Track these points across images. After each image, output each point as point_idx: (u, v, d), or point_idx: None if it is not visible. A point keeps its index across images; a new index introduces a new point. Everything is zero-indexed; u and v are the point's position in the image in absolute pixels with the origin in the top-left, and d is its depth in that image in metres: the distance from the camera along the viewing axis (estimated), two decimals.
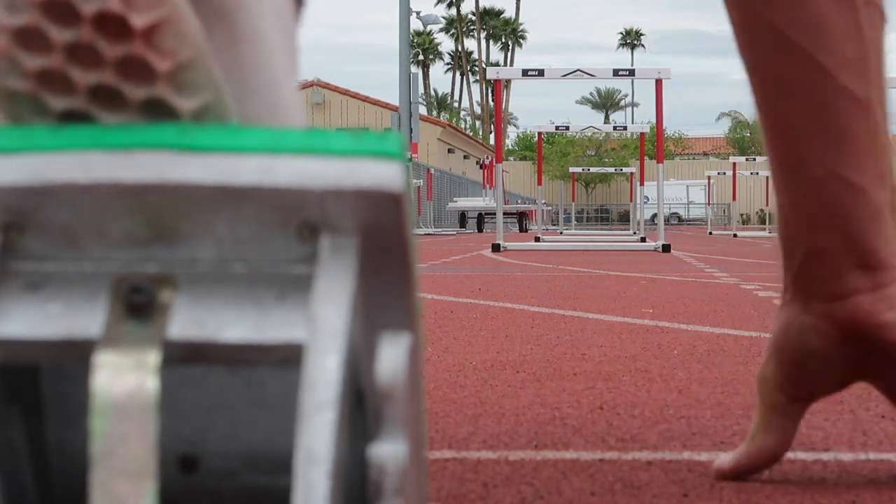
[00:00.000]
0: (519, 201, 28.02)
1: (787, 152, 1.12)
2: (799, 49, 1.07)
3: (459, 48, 61.61)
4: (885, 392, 1.18)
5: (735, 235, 15.76)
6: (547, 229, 19.53)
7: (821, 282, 1.11)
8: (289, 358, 0.48)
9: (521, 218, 20.05)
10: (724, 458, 1.19)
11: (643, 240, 11.38)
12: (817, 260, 1.12)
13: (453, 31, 61.32)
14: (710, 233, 17.81)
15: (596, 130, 14.22)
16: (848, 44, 1.07)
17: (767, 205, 20.19)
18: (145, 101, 0.49)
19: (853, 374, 1.18)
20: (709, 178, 21.43)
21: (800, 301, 1.14)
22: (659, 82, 8.86)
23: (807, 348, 1.14)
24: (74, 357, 0.48)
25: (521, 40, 62.87)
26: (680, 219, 32.84)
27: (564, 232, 17.84)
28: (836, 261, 1.11)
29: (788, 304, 1.15)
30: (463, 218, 20.79)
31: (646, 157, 13.30)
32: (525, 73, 8.56)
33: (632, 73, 9.12)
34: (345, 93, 31.09)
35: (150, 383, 0.46)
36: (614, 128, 13.93)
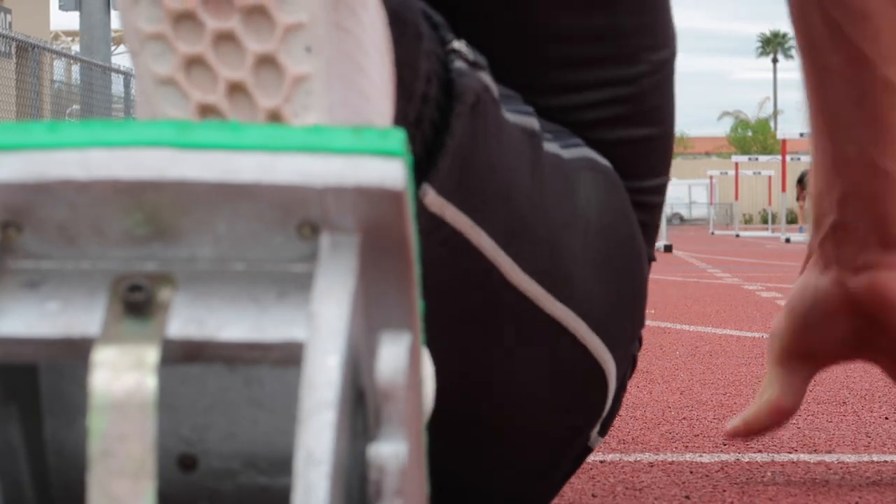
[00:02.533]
0: None
1: (825, 130, 1.15)
2: (846, 38, 1.11)
3: None
4: (887, 371, 1.20)
5: (737, 236, 15.75)
6: None
7: (843, 252, 1.16)
8: (288, 357, 0.48)
9: None
10: (733, 420, 1.22)
11: None
12: (842, 233, 1.16)
13: None
14: (713, 233, 17.80)
15: None
16: (893, 38, 1.10)
17: (770, 204, 20.16)
18: (250, 7, 0.56)
19: (856, 347, 1.19)
20: (711, 177, 21.42)
21: (821, 266, 1.18)
22: None
23: (818, 309, 1.18)
24: (73, 355, 0.48)
25: None
26: (682, 219, 32.84)
27: None
28: (860, 236, 1.15)
29: (810, 268, 1.19)
30: None
31: None
32: None
33: None
34: None
35: (149, 382, 0.46)
36: None
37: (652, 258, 1.03)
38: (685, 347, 2.55)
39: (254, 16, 0.57)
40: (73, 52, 11.49)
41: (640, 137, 1.00)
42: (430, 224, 0.80)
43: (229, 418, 0.55)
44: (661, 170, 1.03)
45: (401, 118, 0.76)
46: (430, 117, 0.79)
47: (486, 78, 0.83)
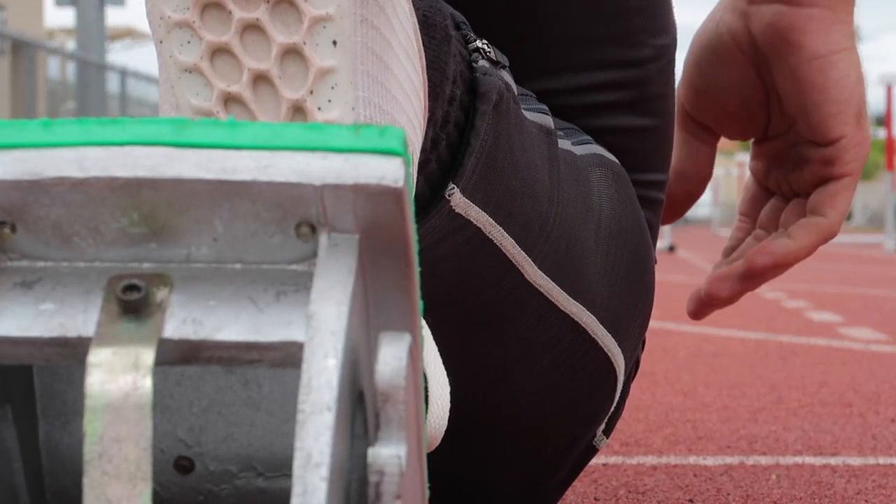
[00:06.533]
0: None
1: None
2: None
3: None
4: (773, 118, 1.08)
5: None
6: None
7: None
8: (287, 358, 0.47)
9: None
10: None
11: None
12: None
13: None
14: (717, 233, 17.77)
15: None
16: None
17: None
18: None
19: (750, 86, 1.06)
20: (716, 176, 21.39)
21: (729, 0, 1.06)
22: None
23: (714, 44, 1.06)
24: (68, 356, 0.47)
25: None
26: (685, 219, 32.80)
27: None
28: None
29: (719, 4, 1.07)
30: None
31: None
32: None
33: None
34: None
35: (146, 383, 0.45)
36: None
37: (654, 259, 1.02)
38: (688, 349, 2.54)
39: (281, 6, 0.57)
40: (67, 50, 11.48)
41: (643, 127, 0.99)
42: (455, 224, 0.79)
43: (227, 420, 0.55)
44: (662, 165, 1.02)
45: (428, 120, 0.76)
46: (455, 118, 0.78)
47: (507, 76, 0.82)
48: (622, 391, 0.97)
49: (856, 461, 1.29)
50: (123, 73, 11.65)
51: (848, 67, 1.03)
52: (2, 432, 0.52)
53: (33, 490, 0.54)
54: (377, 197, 0.46)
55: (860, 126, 1.04)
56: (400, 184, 0.45)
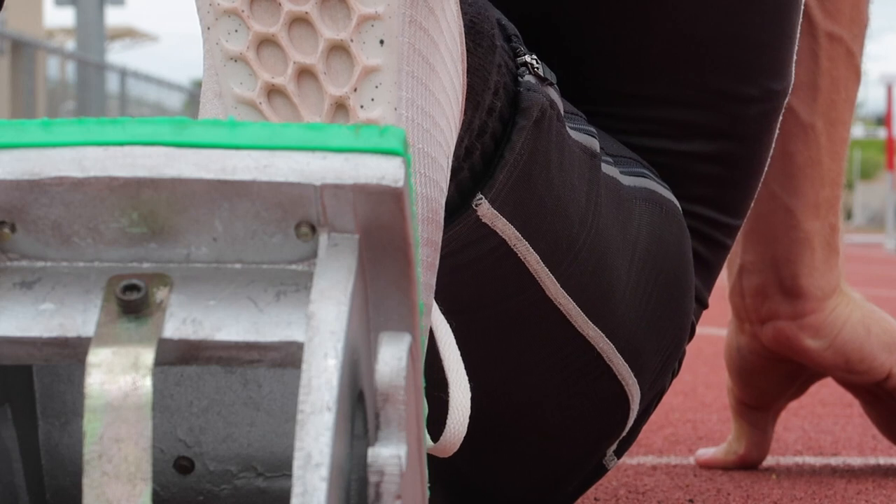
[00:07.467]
0: None
1: None
2: None
3: None
4: (840, 384, 1.22)
5: None
6: None
7: (749, 301, 1.16)
8: (287, 358, 0.47)
9: None
10: (705, 451, 1.25)
11: None
12: (746, 277, 1.16)
13: None
14: None
15: None
16: (800, 67, 1.09)
17: None
18: None
19: (799, 384, 1.23)
20: None
21: (736, 319, 1.19)
22: None
23: (748, 367, 1.22)
24: (67, 356, 0.47)
25: None
26: None
27: None
28: (762, 281, 1.14)
29: (731, 324, 1.20)
30: None
31: None
32: None
33: None
34: None
35: (145, 383, 0.45)
36: None
37: (704, 302, 0.99)
38: (689, 349, 2.53)
39: (330, 2, 0.57)
40: (67, 50, 11.48)
41: (730, 159, 0.96)
42: (480, 233, 0.79)
43: (227, 420, 0.55)
44: (735, 211, 0.99)
45: (465, 128, 0.75)
46: (492, 129, 0.78)
47: (552, 94, 0.81)
48: (638, 418, 0.96)
49: (856, 461, 1.29)
50: (123, 73, 11.65)
51: (854, 332, 1.15)
52: (2, 432, 0.52)
53: (33, 490, 0.54)
54: (377, 197, 0.46)
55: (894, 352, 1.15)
56: (400, 183, 0.45)
